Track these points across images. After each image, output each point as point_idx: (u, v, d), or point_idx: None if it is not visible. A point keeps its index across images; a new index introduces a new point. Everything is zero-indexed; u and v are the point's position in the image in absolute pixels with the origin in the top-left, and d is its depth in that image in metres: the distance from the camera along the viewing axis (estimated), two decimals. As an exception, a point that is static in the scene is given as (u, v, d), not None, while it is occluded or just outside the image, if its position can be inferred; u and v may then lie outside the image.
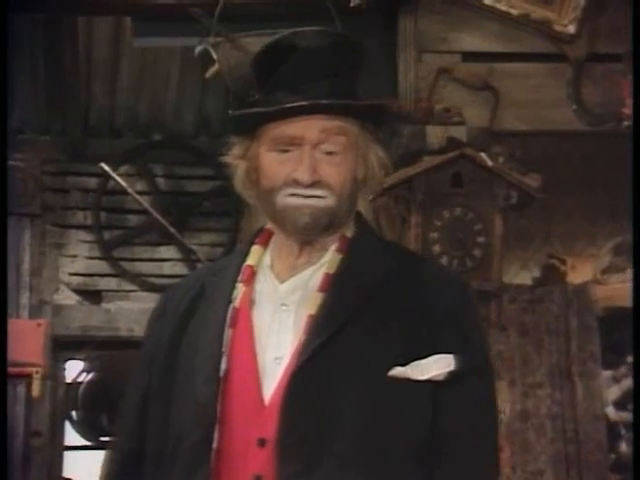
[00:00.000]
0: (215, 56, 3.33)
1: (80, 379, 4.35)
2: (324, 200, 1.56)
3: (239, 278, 1.61)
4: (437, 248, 3.31)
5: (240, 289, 1.59)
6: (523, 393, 3.24)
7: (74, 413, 4.32)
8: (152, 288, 4.38)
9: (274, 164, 1.58)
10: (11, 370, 3.77)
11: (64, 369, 4.34)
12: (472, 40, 3.19)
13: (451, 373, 1.54)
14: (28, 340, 3.83)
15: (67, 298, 4.35)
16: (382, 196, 3.40)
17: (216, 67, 3.26)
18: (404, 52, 3.24)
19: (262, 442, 1.50)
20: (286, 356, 1.53)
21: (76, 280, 4.36)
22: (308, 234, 1.58)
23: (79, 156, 4.51)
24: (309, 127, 1.57)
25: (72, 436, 4.49)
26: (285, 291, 1.58)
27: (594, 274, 3.29)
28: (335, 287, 1.55)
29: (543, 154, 3.40)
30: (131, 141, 4.61)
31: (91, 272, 4.37)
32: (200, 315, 1.60)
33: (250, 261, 1.62)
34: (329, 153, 1.57)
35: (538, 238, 3.59)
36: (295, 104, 1.55)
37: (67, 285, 4.35)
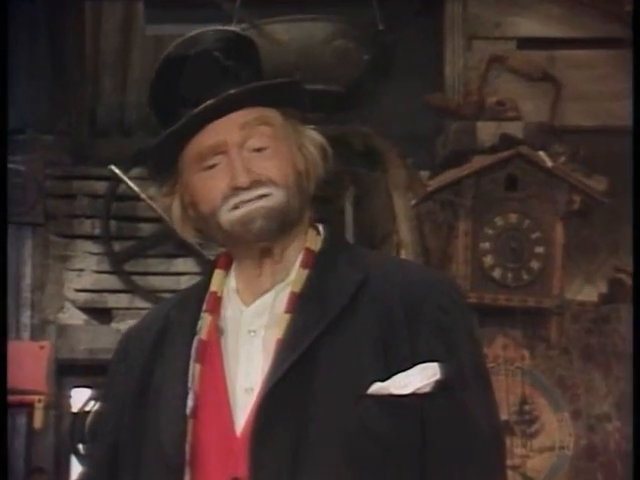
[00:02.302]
0: None
1: (87, 408, 4.32)
2: (271, 198, 1.58)
3: (204, 307, 1.63)
4: (489, 260, 3.31)
5: (206, 319, 1.62)
6: (589, 426, 3.20)
7: (81, 446, 4.30)
8: (167, 305, 4.34)
9: (206, 183, 1.60)
10: (10, 399, 3.76)
11: (69, 397, 4.31)
12: (529, 24, 3.16)
13: (438, 383, 1.53)
14: (29, 364, 3.83)
15: (73, 317, 4.33)
16: (426, 201, 3.40)
17: None
18: (451, 39, 3.22)
19: None
20: (256, 386, 1.55)
21: (83, 297, 4.34)
22: (265, 239, 1.59)
23: (86, 158, 4.49)
24: (226, 128, 1.59)
25: (79, 472, 4.47)
26: (251, 315, 1.61)
27: (668, 289, 3.24)
28: (301, 307, 1.57)
29: (610, 153, 3.35)
30: (143, 141, 4.59)
31: (100, 288, 4.35)
32: (166, 353, 1.63)
33: (213, 287, 1.65)
34: (258, 150, 1.60)
35: (604, 249, 3.55)
36: (201, 107, 1.57)
37: (73, 302, 4.34)
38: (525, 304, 3.32)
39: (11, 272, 4.12)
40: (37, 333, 4.13)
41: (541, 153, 3.25)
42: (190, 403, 1.56)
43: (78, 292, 4.31)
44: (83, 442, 4.17)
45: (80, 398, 4.27)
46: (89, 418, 4.12)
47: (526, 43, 3.20)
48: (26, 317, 4.15)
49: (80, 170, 4.41)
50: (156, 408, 1.60)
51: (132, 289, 4.36)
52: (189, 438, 1.55)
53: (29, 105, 4.49)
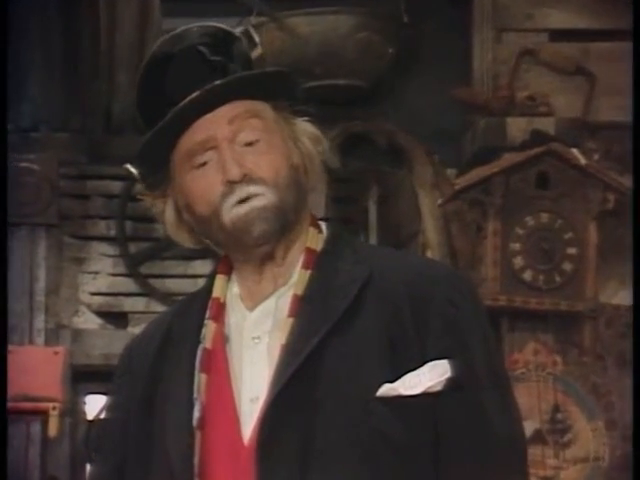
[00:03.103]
0: (257, 39, 3.31)
1: (103, 416, 4.31)
2: (263, 198, 1.56)
3: (207, 314, 1.62)
4: (519, 261, 3.32)
5: (210, 327, 1.60)
6: (624, 437, 3.16)
7: (93, 457, 4.30)
8: (185, 309, 4.32)
9: (199, 182, 1.58)
10: (24, 406, 3.76)
11: (85, 404, 4.30)
12: (562, 16, 3.14)
13: (449, 381, 1.51)
14: (43, 370, 3.83)
15: (88, 321, 4.31)
16: (453, 200, 3.40)
17: (259, 51, 3.23)
18: (480, 31, 3.20)
19: None
20: (262, 394, 1.54)
21: (98, 300, 4.32)
22: (266, 242, 1.57)
23: (101, 156, 4.48)
24: (215, 123, 1.57)
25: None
26: (254, 321, 1.60)
27: None
28: (304, 310, 1.55)
29: (646, 150, 3.30)
30: (160, 139, 4.56)
31: (115, 291, 4.33)
32: (170, 363, 1.62)
33: (216, 293, 1.63)
34: (250, 144, 1.58)
35: (640, 249, 3.50)
36: (186, 100, 1.55)
37: (88, 306, 4.32)
38: (557, 308, 3.32)
39: (25, 275, 4.11)
40: (51, 338, 4.12)
41: (574, 150, 3.25)
42: (197, 414, 1.55)
43: (93, 295, 4.30)
44: (95, 453, 4.15)
45: (95, 405, 4.26)
46: (96, 428, 4.12)
47: (559, 35, 3.18)
48: (40, 322, 4.14)
49: (95, 169, 4.40)
50: (162, 420, 1.59)
51: (148, 292, 4.34)
52: (197, 450, 1.55)
53: (42, 102, 4.48)
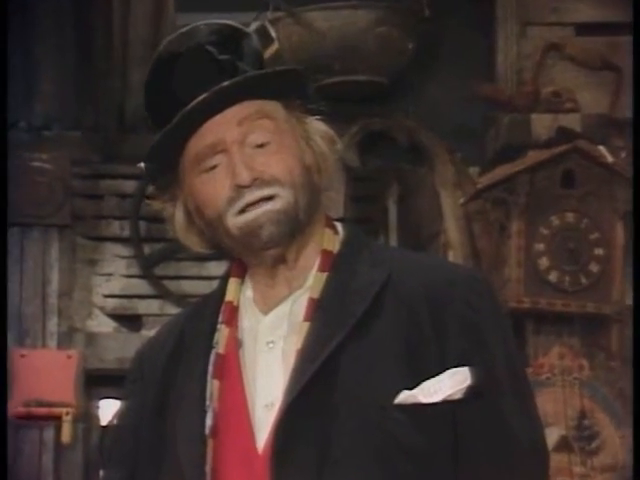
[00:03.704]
0: (274, 34, 3.31)
1: (116, 421, 4.30)
2: (278, 200, 1.55)
3: (220, 319, 1.61)
4: (544, 262, 3.30)
5: (223, 331, 1.60)
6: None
7: (105, 464, 4.30)
8: (201, 311, 4.31)
9: (208, 186, 1.57)
10: (37, 411, 3.76)
11: (98, 409, 4.29)
12: (588, 9, 3.11)
13: (469, 389, 1.50)
14: (56, 375, 3.83)
15: (102, 324, 4.31)
16: (476, 199, 3.40)
17: (275, 46, 3.24)
18: (504, 25, 3.19)
19: None
20: (277, 401, 1.53)
21: (112, 303, 4.31)
22: (276, 246, 1.56)
23: (114, 155, 4.47)
24: (224, 125, 1.56)
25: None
26: (269, 325, 1.59)
27: None
28: (321, 314, 1.54)
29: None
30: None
31: (129, 293, 4.33)
32: (182, 370, 1.62)
33: (229, 297, 1.62)
34: (261, 145, 1.57)
35: (669, 249, 3.48)
36: (193, 102, 1.54)
37: (101, 309, 4.32)
38: (583, 310, 3.30)
39: (37, 277, 4.11)
40: (64, 341, 4.11)
41: (600, 147, 3.24)
42: (209, 422, 1.54)
43: (107, 298, 4.29)
44: (107, 459, 4.15)
45: (109, 410, 4.26)
46: (108, 435, 4.10)
47: (585, 29, 3.17)
48: (53, 325, 4.14)
49: (108, 168, 4.39)
50: (174, 427, 1.58)
51: (163, 294, 4.34)
52: (209, 459, 1.54)
53: (55, 100, 4.48)
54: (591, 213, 3.26)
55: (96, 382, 4.25)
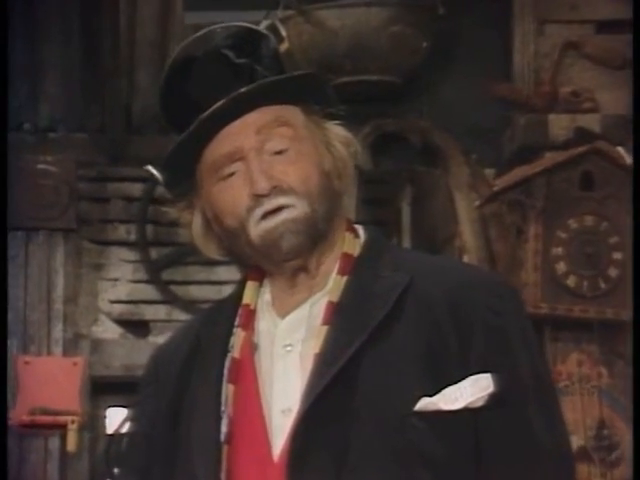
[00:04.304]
0: (284, 32, 3.30)
1: (123, 430, 4.30)
2: (294, 209, 1.56)
3: (236, 322, 1.62)
4: (561, 266, 3.30)
5: (239, 335, 1.61)
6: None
7: (117, 471, 4.29)
8: (209, 317, 4.31)
9: (226, 194, 1.58)
10: (42, 420, 3.76)
11: (105, 417, 4.29)
12: (608, 6, 3.09)
13: (492, 396, 1.50)
14: (61, 382, 3.83)
15: (107, 331, 4.30)
16: (492, 202, 3.39)
17: (285, 46, 3.23)
18: (521, 23, 3.18)
19: None
20: (294, 406, 1.53)
21: (118, 308, 4.31)
22: (296, 257, 1.57)
23: (121, 158, 4.47)
24: (242, 133, 1.57)
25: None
26: (287, 328, 1.59)
27: None
28: (340, 317, 1.55)
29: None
30: (183, 139, 4.55)
31: (136, 299, 4.32)
32: (197, 374, 1.62)
33: (247, 300, 1.63)
34: (279, 152, 1.58)
35: (691, 253, 3.46)
36: (209, 110, 1.55)
37: (107, 315, 4.31)
38: (602, 316, 3.29)
39: (42, 282, 4.11)
40: (70, 348, 4.11)
41: (620, 149, 3.23)
42: (224, 429, 1.55)
43: (113, 303, 4.29)
44: (119, 466, 4.16)
45: (116, 418, 4.26)
46: (119, 442, 4.11)
47: (605, 27, 3.15)
48: (58, 331, 4.13)
49: (115, 171, 4.39)
50: (188, 433, 1.58)
51: (171, 299, 4.33)
52: (224, 466, 1.54)
53: (60, 101, 4.48)
54: (610, 216, 3.26)
55: (102, 390, 4.24)
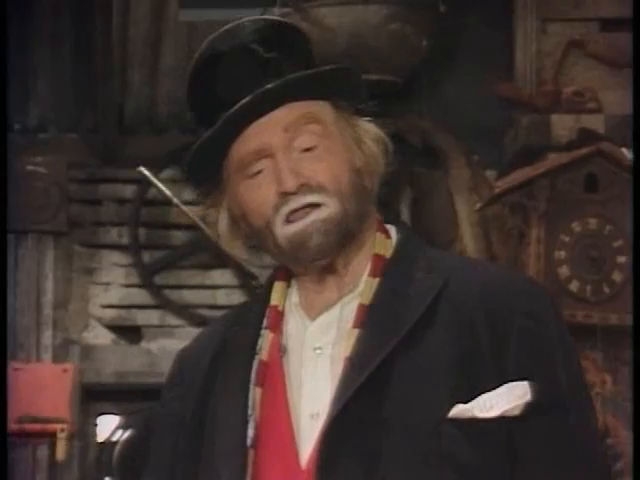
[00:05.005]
0: None
1: (115, 438, 4.30)
2: (325, 208, 1.55)
3: (264, 323, 1.62)
4: (564, 270, 3.29)
5: (267, 337, 1.61)
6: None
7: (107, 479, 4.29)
8: (202, 322, 4.31)
9: (253, 193, 1.58)
10: (30, 428, 3.75)
11: (95, 425, 4.29)
12: (613, 3, 3.09)
13: (528, 405, 1.49)
14: (51, 389, 3.83)
15: (99, 336, 4.31)
16: (493, 204, 3.39)
17: None
18: (523, 21, 3.18)
19: None
20: (323, 411, 1.52)
21: (110, 313, 4.32)
22: (325, 257, 1.57)
23: (113, 159, 4.47)
24: (270, 130, 1.57)
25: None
26: (317, 331, 1.59)
27: None
28: (372, 320, 1.55)
29: None
30: (176, 139, 4.55)
31: (128, 303, 4.33)
32: (224, 376, 1.62)
33: (274, 301, 1.63)
34: (307, 150, 1.57)
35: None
36: (236, 107, 1.55)
37: (99, 320, 4.32)
38: (606, 322, 3.28)
39: (31, 287, 4.12)
40: (60, 354, 4.11)
41: (624, 150, 3.22)
42: (251, 433, 1.54)
43: (104, 308, 4.30)
44: (110, 475, 4.15)
45: (107, 426, 4.26)
46: (117, 448, 4.11)
47: (610, 24, 3.15)
48: (47, 337, 4.14)
49: (106, 172, 4.39)
50: (213, 437, 1.58)
51: (164, 304, 4.33)
52: (249, 472, 1.53)
53: (51, 101, 4.48)
54: (615, 219, 3.26)
55: (93, 397, 4.24)
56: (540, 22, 3.21)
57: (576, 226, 3.28)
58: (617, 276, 3.29)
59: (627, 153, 3.23)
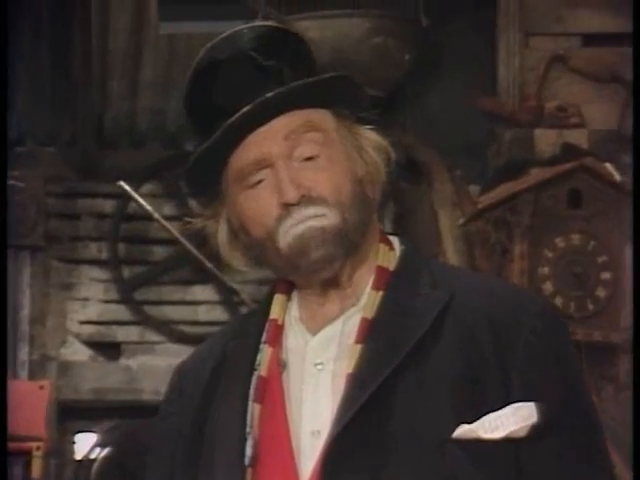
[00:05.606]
0: None
1: (93, 456, 4.30)
2: (324, 219, 1.54)
3: (263, 338, 1.59)
4: (548, 286, 3.30)
5: (266, 351, 1.58)
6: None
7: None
8: (183, 339, 4.33)
9: (253, 203, 1.57)
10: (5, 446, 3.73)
11: (73, 443, 4.29)
12: (596, 18, 3.11)
13: (534, 427, 1.47)
14: (27, 407, 3.80)
15: (77, 353, 4.31)
16: (476, 219, 3.39)
17: None
18: (506, 35, 3.19)
19: None
20: (324, 428, 1.50)
21: (88, 330, 4.32)
22: (326, 268, 1.55)
23: (92, 172, 4.48)
24: (270, 139, 1.55)
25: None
26: (318, 346, 1.57)
27: None
28: (374, 335, 1.52)
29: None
30: (156, 153, 4.57)
31: (107, 319, 4.34)
32: (222, 392, 1.60)
33: (274, 314, 1.61)
34: (308, 159, 1.55)
35: (682, 274, 3.49)
36: (235, 116, 1.53)
37: (77, 336, 4.32)
38: (590, 338, 3.29)
39: (8, 303, 4.09)
40: (36, 371, 4.11)
41: (608, 165, 3.24)
42: (249, 451, 1.53)
43: (83, 324, 4.30)
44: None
45: (85, 444, 4.25)
46: (96, 466, 4.11)
47: (592, 39, 3.17)
48: (24, 353, 4.13)
49: (85, 186, 4.40)
50: (211, 454, 1.56)
51: (143, 320, 4.34)
52: None
53: (29, 113, 4.48)
54: (599, 235, 3.26)
55: (70, 414, 4.24)
56: (523, 36, 3.22)
57: (560, 242, 3.29)
58: (601, 292, 3.30)
59: (611, 168, 3.25)
